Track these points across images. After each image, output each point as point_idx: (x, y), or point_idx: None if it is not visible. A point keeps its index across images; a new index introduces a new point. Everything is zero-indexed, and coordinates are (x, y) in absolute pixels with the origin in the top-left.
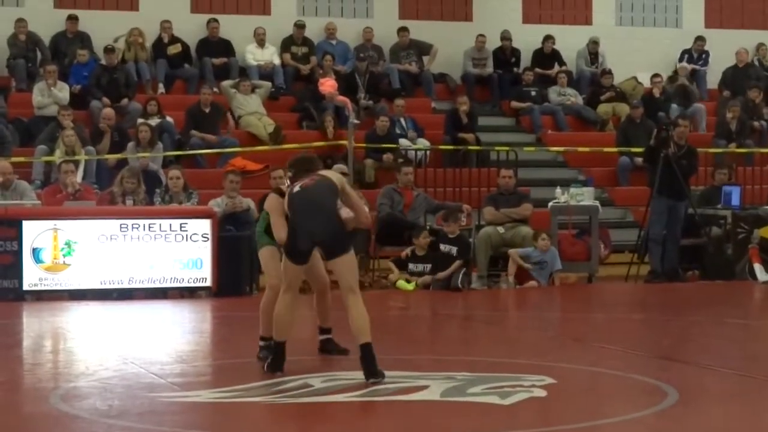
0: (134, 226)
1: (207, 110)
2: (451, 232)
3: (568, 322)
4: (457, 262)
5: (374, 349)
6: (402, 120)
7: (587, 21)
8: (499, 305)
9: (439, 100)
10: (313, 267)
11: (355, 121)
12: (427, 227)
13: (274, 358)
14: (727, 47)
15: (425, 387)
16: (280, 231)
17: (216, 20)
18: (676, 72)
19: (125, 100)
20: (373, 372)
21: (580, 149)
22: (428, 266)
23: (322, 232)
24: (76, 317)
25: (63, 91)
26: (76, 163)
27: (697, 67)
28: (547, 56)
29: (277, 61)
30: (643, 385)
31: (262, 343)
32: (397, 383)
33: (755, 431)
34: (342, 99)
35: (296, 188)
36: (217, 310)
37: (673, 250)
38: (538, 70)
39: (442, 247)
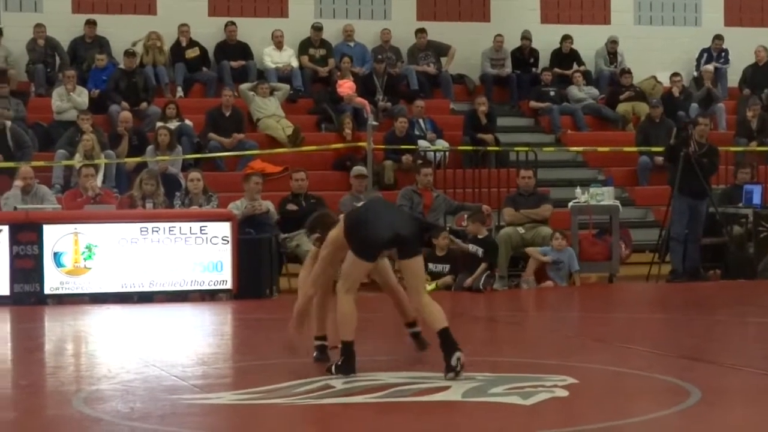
0: (154, 229)
1: (227, 113)
2: (478, 233)
3: (590, 322)
4: (483, 265)
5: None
6: (421, 121)
7: (606, 20)
8: (520, 305)
9: (458, 101)
10: (381, 266)
11: (374, 123)
12: (447, 227)
13: (346, 359)
14: (747, 45)
15: (447, 387)
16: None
17: (234, 23)
18: (700, 75)
19: (144, 104)
20: (455, 348)
21: (600, 149)
22: (447, 267)
23: (404, 227)
24: (97, 320)
25: (82, 96)
26: (96, 167)
27: (718, 65)
28: (565, 56)
29: (295, 63)
30: (666, 385)
31: (317, 343)
32: (418, 384)
33: None
34: (360, 101)
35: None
36: (238, 313)
37: (694, 250)
38: (556, 70)
39: (471, 247)
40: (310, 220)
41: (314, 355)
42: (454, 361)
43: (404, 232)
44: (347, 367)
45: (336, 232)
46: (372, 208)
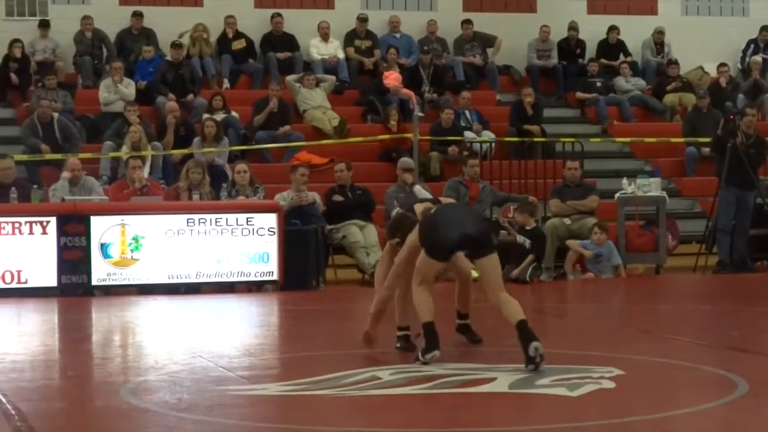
0: (201, 220)
1: (274, 99)
2: (526, 224)
3: (636, 314)
4: (530, 257)
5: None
6: (467, 112)
7: (653, 11)
8: (566, 297)
9: (504, 92)
10: (456, 259)
11: (420, 114)
12: (494, 218)
13: (429, 340)
14: None
15: (493, 379)
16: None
17: (280, 15)
18: (747, 65)
19: (190, 96)
20: (532, 339)
21: (647, 140)
22: None
23: (472, 227)
24: (144, 312)
25: (129, 88)
26: (143, 158)
27: (765, 56)
28: (612, 47)
29: (341, 54)
30: (713, 377)
31: (399, 333)
32: (464, 375)
33: None
34: (406, 92)
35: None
36: (284, 304)
37: (741, 241)
38: (603, 60)
39: (518, 238)
40: (390, 223)
41: (397, 345)
42: (532, 352)
43: (472, 231)
44: (430, 346)
45: (414, 237)
46: (442, 210)
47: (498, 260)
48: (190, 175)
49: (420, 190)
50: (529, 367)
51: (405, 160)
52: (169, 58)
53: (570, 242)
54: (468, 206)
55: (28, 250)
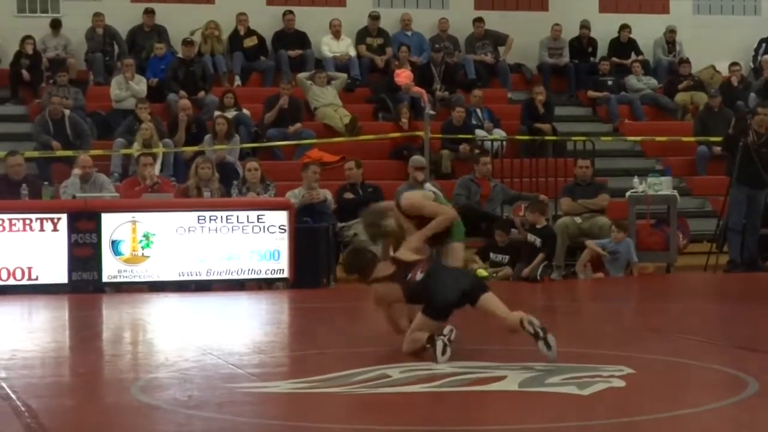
0: (212, 217)
1: (285, 98)
2: (537, 222)
3: (647, 313)
4: (541, 255)
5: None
6: (478, 110)
7: (664, 10)
8: (577, 295)
9: (515, 90)
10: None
11: (431, 112)
12: (504, 216)
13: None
14: None
15: (503, 377)
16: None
17: (292, 12)
18: (759, 64)
19: (202, 93)
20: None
21: (658, 138)
22: (507, 257)
23: (466, 282)
24: (154, 309)
25: (140, 85)
26: (154, 155)
27: None
28: (623, 45)
29: (352, 52)
30: (723, 376)
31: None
32: (474, 374)
33: None
34: (418, 90)
35: (418, 276)
36: (295, 302)
37: (752, 240)
38: (614, 59)
39: (529, 237)
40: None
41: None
42: (531, 329)
43: (467, 286)
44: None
45: (384, 290)
46: (435, 274)
47: (492, 296)
48: (199, 171)
49: (430, 189)
50: (543, 350)
51: (416, 158)
52: (180, 55)
53: (588, 242)
54: (449, 266)
55: (38, 246)
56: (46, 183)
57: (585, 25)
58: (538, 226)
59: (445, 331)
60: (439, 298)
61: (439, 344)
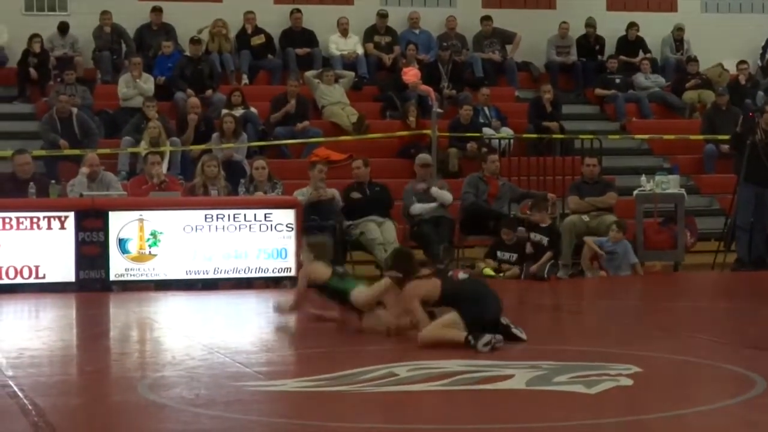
0: (219, 216)
1: (292, 101)
2: (541, 221)
3: (654, 311)
4: (548, 253)
5: None
6: (485, 109)
7: (672, 8)
8: (584, 294)
9: (523, 88)
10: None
11: (439, 111)
12: (512, 215)
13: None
14: None
15: (510, 376)
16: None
17: (299, 10)
18: (767, 63)
19: (209, 91)
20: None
21: (666, 137)
22: (515, 255)
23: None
24: (162, 307)
25: (148, 83)
26: (162, 154)
27: None
28: (631, 43)
29: (360, 50)
30: (731, 374)
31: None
32: (482, 372)
33: None
34: (425, 88)
35: (460, 275)
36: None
37: (760, 238)
38: (622, 57)
39: (532, 235)
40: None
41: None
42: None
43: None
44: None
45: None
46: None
47: None
48: (205, 169)
49: (437, 192)
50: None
51: (422, 156)
52: (188, 53)
53: (587, 239)
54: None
55: (46, 245)
56: (53, 181)
57: (591, 24)
58: (542, 225)
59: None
60: (487, 313)
61: (487, 338)
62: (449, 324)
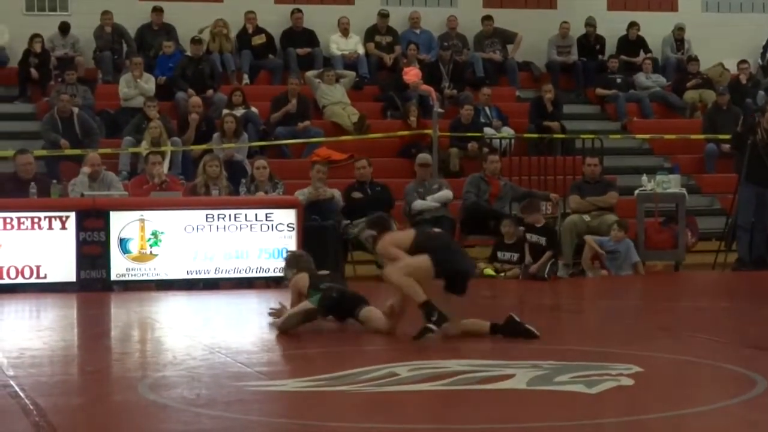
0: (220, 216)
1: (293, 100)
2: (536, 222)
3: (655, 311)
4: (548, 253)
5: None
6: (486, 109)
7: (673, 8)
8: (584, 294)
9: (524, 88)
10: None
11: (440, 110)
12: (513, 214)
13: (436, 315)
14: None
15: (511, 376)
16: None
17: (300, 10)
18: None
19: (210, 91)
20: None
21: (666, 136)
22: (516, 255)
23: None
24: (163, 307)
25: (149, 83)
26: (163, 154)
27: None
28: (632, 43)
29: (361, 50)
30: (732, 374)
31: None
32: (482, 372)
33: None
34: (426, 88)
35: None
36: None
37: (761, 238)
38: (623, 57)
39: (529, 236)
40: (371, 220)
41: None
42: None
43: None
44: (439, 319)
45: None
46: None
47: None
48: (207, 169)
49: (437, 197)
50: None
51: (422, 156)
52: (189, 53)
53: (587, 238)
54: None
55: (47, 245)
56: (54, 181)
57: (590, 23)
58: (537, 225)
59: (444, 325)
60: (461, 263)
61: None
62: (418, 269)
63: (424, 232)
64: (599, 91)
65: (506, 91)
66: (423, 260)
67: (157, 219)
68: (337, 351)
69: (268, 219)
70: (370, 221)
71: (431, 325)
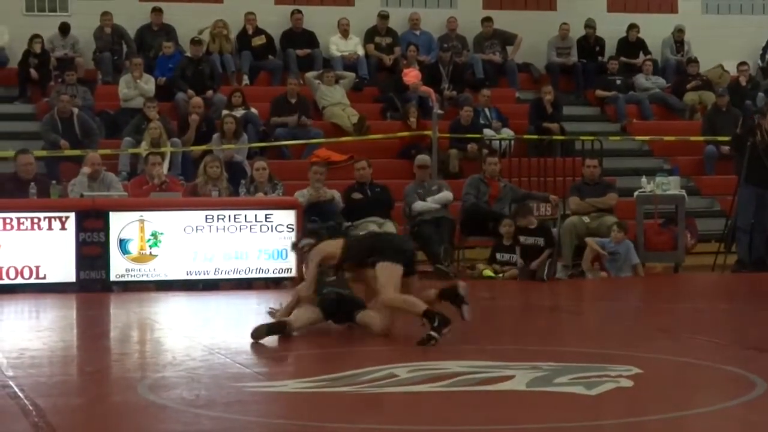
0: (219, 217)
1: (293, 101)
2: (528, 224)
3: (655, 312)
4: (547, 251)
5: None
6: (486, 110)
7: (672, 9)
8: (584, 295)
9: (523, 89)
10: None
11: (439, 112)
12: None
13: (439, 316)
14: None
15: (511, 377)
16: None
17: (300, 11)
18: (767, 64)
19: (210, 92)
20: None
21: (666, 138)
22: (514, 256)
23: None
24: (162, 308)
25: (148, 84)
26: (162, 154)
27: None
28: (632, 45)
29: (360, 51)
30: (731, 376)
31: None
32: (482, 373)
33: None
34: (426, 89)
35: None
36: None
37: (760, 240)
38: (623, 58)
39: (523, 239)
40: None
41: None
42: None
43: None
44: (442, 322)
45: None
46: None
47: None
48: (208, 170)
49: (437, 199)
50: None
51: (421, 157)
52: (188, 54)
53: (588, 240)
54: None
55: (46, 245)
56: (54, 182)
57: (590, 25)
58: (531, 227)
59: (445, 330)
60: (396, 242)
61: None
62: (391, 278)
63: (353, 236)
64: (599, 92)
65: (506, 93)
66: (394, 269)
67: (156, 220)
68: (336, 352)
69: (267, 220)
70: (308, 231)
71: (434, 333)
